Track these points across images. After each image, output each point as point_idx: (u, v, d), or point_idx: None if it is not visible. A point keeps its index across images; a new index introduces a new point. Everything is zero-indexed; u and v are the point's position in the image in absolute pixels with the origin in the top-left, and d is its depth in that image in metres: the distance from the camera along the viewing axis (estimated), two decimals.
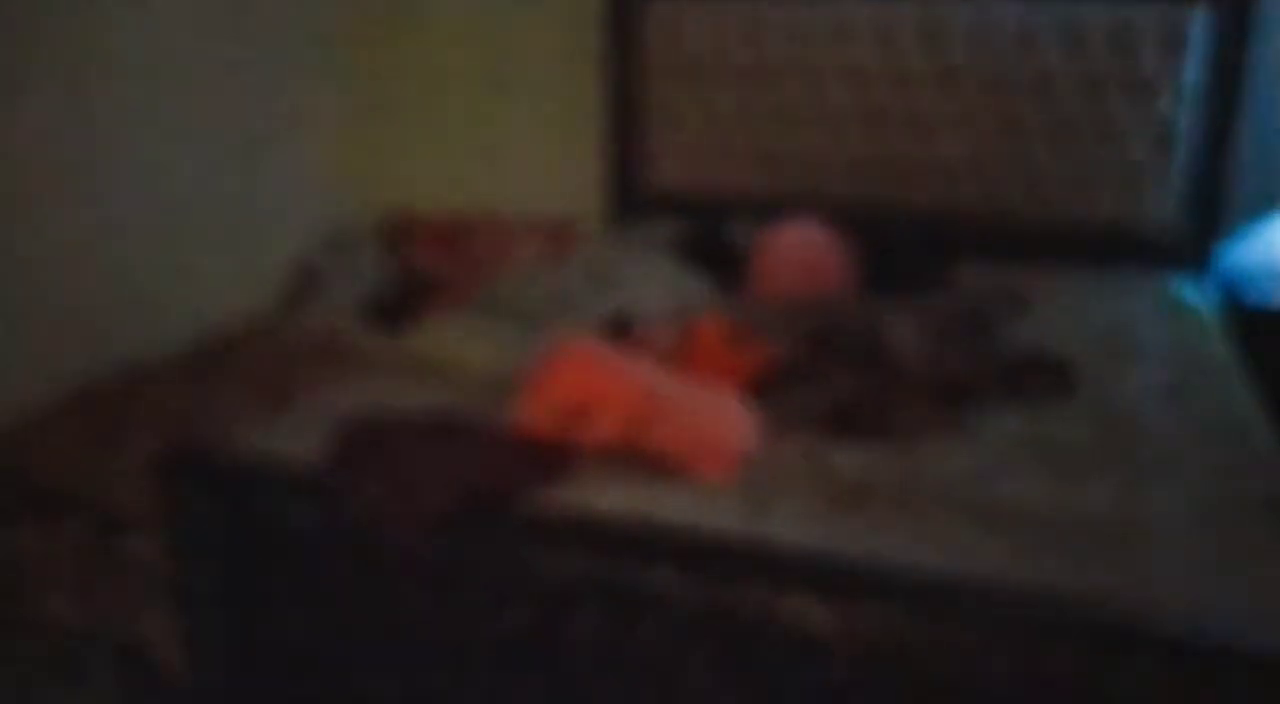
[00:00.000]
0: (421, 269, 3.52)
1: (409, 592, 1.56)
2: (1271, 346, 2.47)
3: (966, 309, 2.34)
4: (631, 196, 3.37)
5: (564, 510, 1.49)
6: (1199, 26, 2.71)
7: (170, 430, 2.34)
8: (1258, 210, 2.87)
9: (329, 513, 1.56)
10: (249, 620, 1.70)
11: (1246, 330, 2.50)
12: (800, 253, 2.70)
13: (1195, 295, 2.64)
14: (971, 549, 1.38)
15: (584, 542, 1.42)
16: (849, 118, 3.06)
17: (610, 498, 1.52)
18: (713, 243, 2.85)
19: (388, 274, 3.48)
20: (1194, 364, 2.12)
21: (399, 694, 1.62)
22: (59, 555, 1.94)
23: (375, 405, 1.87)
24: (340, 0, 3.53)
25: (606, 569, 1.40)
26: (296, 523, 1.60)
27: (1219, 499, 1.52)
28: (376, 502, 1.50)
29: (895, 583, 1.31)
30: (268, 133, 3.31)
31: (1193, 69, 2.74)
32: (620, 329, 2.18)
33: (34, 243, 2.58)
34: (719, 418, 1.68)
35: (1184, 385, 2.00)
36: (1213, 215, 2.83)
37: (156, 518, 1.76)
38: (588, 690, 1.46)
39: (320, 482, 1.58)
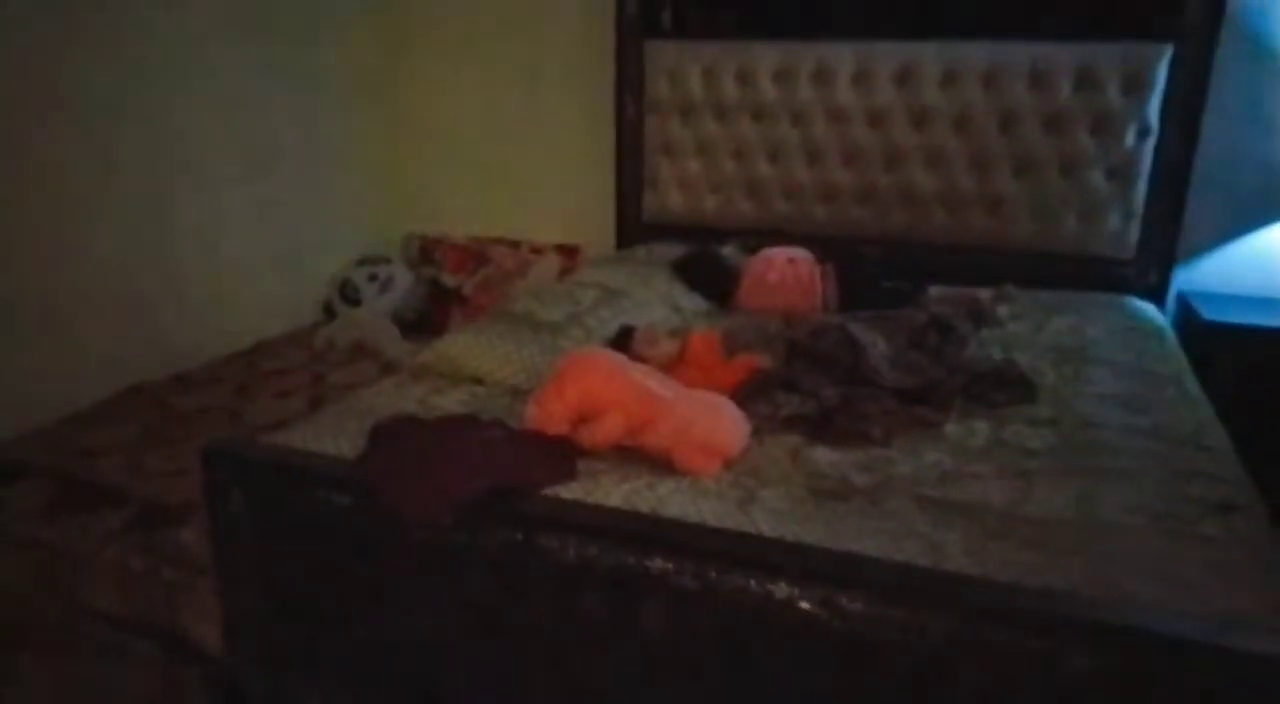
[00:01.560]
0: (446, 285, 3.52)
1: (431, 576, 1.55)
2: (1223, 360, 2.47)
3: (935, 323, 2.33)
4: (635, 222, 3.37)
5: (572, 504, 1.49)
6: (1161, 66, 2.69)
7: (213, 428, 2.34)
8: (1211, 237, 2.87)
9: (359, 503, 1.55)
10: (285, 605, 1.69)
11: (1202, 347, 2.48)
12: (785, 274, 2.71)
13: (1153, 315, 2.62)
14: (937, 544, 1.38)
15: (590, 532, 1.41)
16: (830, 152, 3.07)
17: (613, 493, 1.52)
18: (707, 264, 2.85)
19: (415, 289, 3.49)
20: (1150, 377, 2.10)
21: (421, 670, 1.61)
22: (102, 547, 1.92)
23: (401, 408, 1.87)
24: (377, 61, 3.60)
25: (610, 557, 1.39)
26: (328, 513, 1.59)
27: (1173, 502, 1.50)
28: (402, 492, 1.49)
29: (867, 573, 1.30)
30: (316, 170, 3.38)
31: (1154, 106, 2.72)
32: (623, 340, 2.17)
33: (103, 257, 2.63)
34: (712, 420, 1.67)
35: (1141, 396, 1.98)
36: (1170, 242, 2.81)
37: (198, 510, 1.76)
38: (594, 665, 1.45)
39: (350, 475, 1.58)
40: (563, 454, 1.61)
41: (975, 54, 2.85)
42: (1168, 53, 2.68)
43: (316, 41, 3.29)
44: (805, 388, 1.93)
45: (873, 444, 1.75)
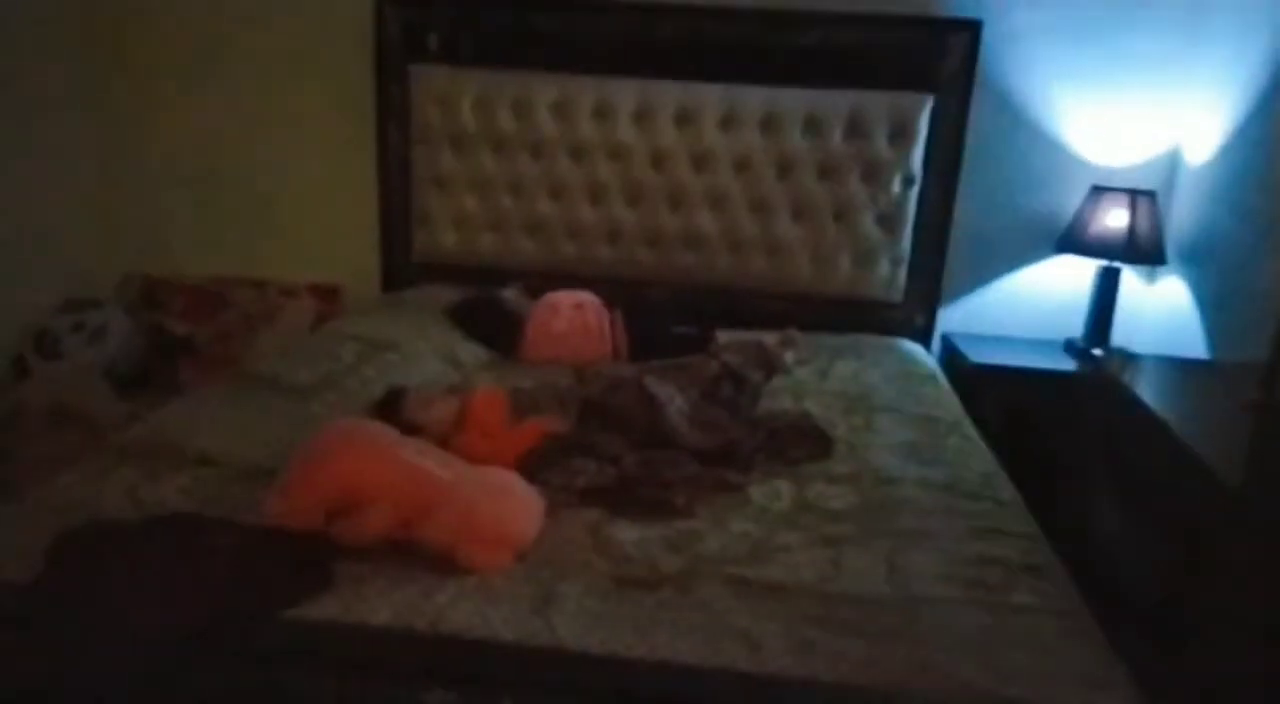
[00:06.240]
0: (174, 333, 3.04)
1: None
2: (987, 399, 2.58)
3: (728, 373, 2.27)
4: (404, 262, 3.10)
5: (328, 626, 1.21)
6: (923, 116, 2.82)
7: None
8: (970, 281, 3.04)
9: (34, 643, 1.19)
10: None
11: (967, 387, 2.60)
12: (573, 320, 2.57)
13: (925, 358, 2.73)
14: (756, 640, 1.25)
15: (351, 663, 1.16)
16: (614, 191, 2.97)
17: (381, 606, 1.26)
18: (487, 310, 2.65)
19: (135, 338, 2.97)
20: (933, 424, 2.15)
21: None
22: None
23: (104, 502, 1.50)
24: (101, 60, 3.10)
25: (379, 692, 1.14)
26: None
27: (980, 566, 1.48)
28: (95, 628, 1.16)
29: (682, 687, 1.17)
30: (10, 196, 2.83)
31: (918, 155, 2.84)
32: (392, 404, 1.91)
33: None
34: (501, 505, 1.46)
35: (928, 445, 2.01)
36: (934, 286, 2.96)
37: None
38: None
39: (23, 605, 1.21)
40: (314, 557, 1.33)
41: (753, 98, 2.86)
42: (928, 104, 2.82)
43: (16, 49, 2.75)
44: (602, 452, 1.78)
45: (676, 514, 1.63)
